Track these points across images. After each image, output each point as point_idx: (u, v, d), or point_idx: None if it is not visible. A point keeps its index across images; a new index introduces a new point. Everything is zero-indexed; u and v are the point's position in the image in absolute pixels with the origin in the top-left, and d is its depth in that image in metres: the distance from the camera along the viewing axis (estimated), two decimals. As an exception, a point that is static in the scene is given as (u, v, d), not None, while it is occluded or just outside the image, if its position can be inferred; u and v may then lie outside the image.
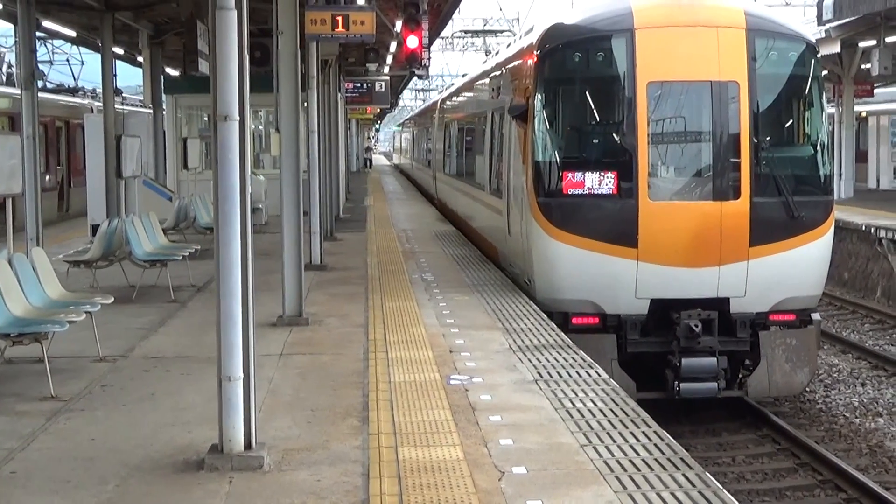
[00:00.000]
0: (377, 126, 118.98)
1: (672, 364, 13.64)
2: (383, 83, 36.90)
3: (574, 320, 13.87)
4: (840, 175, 34.57)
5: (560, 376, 10.16)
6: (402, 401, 9.26)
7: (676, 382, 13.55)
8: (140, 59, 29.35)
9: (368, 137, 70.32)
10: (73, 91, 35.79)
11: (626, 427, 8.43)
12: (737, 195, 13.61)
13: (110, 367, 10.78)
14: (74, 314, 10.32)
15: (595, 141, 14.56)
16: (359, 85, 36.37)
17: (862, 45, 31.61)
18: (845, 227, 26.18)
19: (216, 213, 7.45)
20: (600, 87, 14.47)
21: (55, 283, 11.42)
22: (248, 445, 7.51)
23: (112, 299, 11.57)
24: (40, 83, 25.01)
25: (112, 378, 10.34)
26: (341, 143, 33.97)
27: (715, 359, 13.61)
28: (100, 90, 25.27)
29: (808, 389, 15.85)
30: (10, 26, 26.03)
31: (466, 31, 61.51)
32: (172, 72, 34.32)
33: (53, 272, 11.56)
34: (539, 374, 10.26)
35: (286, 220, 13.49)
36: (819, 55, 14.68)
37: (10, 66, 37.29)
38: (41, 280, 11.02)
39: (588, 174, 13.79)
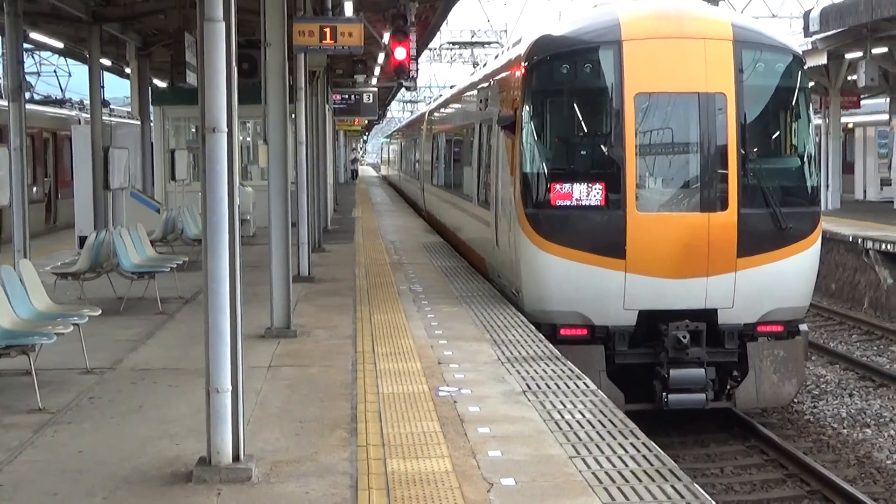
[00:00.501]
0: (365, 137, 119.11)
1: (660, 375, 13.65)
2: (371, 95, 36.93)
3: (562, 331, 13.87)
4: (827, 186, 34.66)
5: (548, 388, 10.16)
6: (390, 412, 9.25)
7: (665, 394, 13.56)
8: (128, 70, 29.34)
9: (354, 148, 70.08)
10: (61, 102, 35.75)
11: (615, 438, 8.44)
12: (724, 206, 13.64)
13: (98, 380, 10.75)
14: (62, 326, 10.29)
15: (583, 152, 14.57)
16: (347, 96, 36.39)
17: (848, 56, 31.72)
18: (832, 239, 26.25)
19: (204, 225, 7.45)
20: (588, 98, 14.49)
21: (42, 295, 11.39)
22: (236, 458, 7.50)
23: (100, 311, 11.54)
24: (28, 95, 24.96)
25: (100, 390, 10.32)
26: (329, 154, 33.95)
27: (703, 370, 13.62)
28: (87, 102, 25.27)
29: (795, 400, 15.87)
30: (-2, 38, 26.00)
31: (454, 43, 61.59)
32: (160, 83, 34.29)
33: (41, 284, 11.53)
34: (527, 385, 10.26)
35: (274, 231, 13.48)
36: (806, 67, 14.73)
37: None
38: (28, 292, 10.99)
39: (576, 185, 13.80)
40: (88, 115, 23.36)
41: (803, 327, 14.50)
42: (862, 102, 38.25)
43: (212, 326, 7.41)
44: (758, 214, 13.77)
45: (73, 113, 33.38)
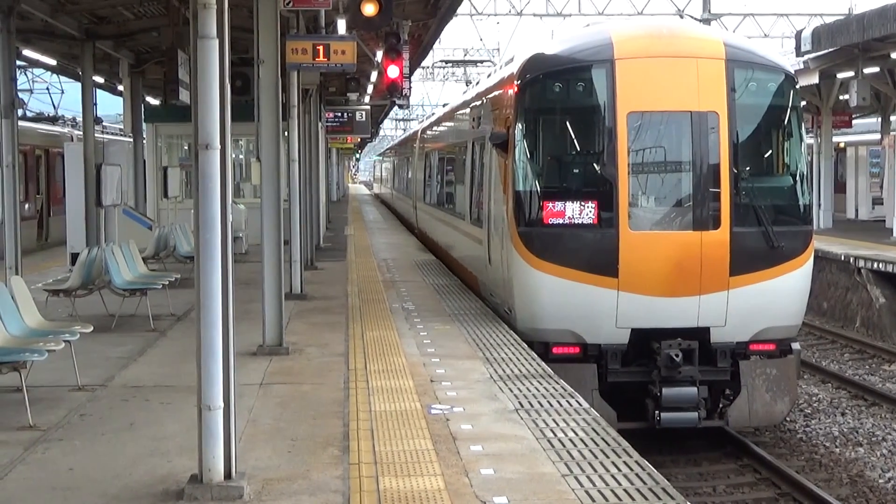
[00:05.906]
0: (357, 155, 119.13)
1: (653, 394, 13.64)
2: (364, 112, 36.94)
3: (554, 350, 13.86)
4: (819, 205, 34.72)
5: (541, 406, 10.14)
6: (382, 430, 9.23)
7: (657, 412, 13.54)
8: (120, 87, 29.33)
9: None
10: (53, 120, 35.73)
11: (608, 457, 8.42)
12: (717, 225, 13.64)
13: (89, 397, 10.71)
14: (53, 343, 10.26)
15: (575, 171, 14.59)
16: (339, 114, 36.38)
17: (840, 76, 31.81)
18: (825, 257, 26.28)
19: (197, 242, 7.44)
20: (581, 117, 14.51)
21: (34, 311, 11.36)
22: (227, 475, 7.47)
23: (91, 328, 11.50)
24: (20, 112, 24.95)
25: (91, 407, 10.28)
26: (322, 172, 33.96)
27: (695, 388, 13.61)
28: (80, 119, 25.26)
29: (788, 419, 15.86)
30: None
31: (447, 61, 61.73)
32: (153, 100, 34.27)
33: (32, 301, 11.50)
34: (520, 403, 10.25)
35: (266, 249, 13.47)
36: (798, 86, 14.77)
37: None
38: (20, 309, 10.96)
39: (568, 204, 13.80)
40: (81, 133, 23.34)
41: (795, 346, 14.50)
42: (853, 122, 38.34)
43: (204, 343, 7.40)
44: (750, 233, 13.78)
45: (66, 130, 33.38)
